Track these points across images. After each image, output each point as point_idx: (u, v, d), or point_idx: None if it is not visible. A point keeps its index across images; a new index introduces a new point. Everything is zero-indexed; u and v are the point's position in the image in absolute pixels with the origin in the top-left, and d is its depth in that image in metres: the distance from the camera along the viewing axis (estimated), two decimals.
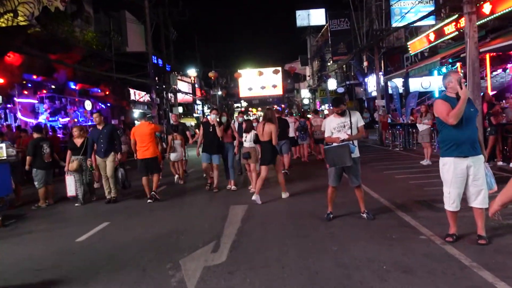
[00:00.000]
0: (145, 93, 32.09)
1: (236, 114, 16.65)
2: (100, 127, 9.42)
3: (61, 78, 22.39)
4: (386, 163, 13.29)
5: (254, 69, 50.47)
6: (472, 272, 4.27)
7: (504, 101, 16.28)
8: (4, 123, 18.39)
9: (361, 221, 6.53)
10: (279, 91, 57.52)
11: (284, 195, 8.86)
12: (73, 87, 24.63)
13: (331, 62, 41.18)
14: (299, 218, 7.00)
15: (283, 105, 62.72)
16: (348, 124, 6.51)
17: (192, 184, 11.57)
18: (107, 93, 27.68)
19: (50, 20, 21.43)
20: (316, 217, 6.95)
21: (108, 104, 28.71)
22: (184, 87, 42.61)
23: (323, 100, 45.89)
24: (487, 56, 16.12)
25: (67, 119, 24.15)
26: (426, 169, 11.55)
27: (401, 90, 25.53)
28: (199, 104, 51.91)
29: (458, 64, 18.77)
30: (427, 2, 24.07)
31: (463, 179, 5.01)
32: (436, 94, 23.09)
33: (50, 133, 17.75)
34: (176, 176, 12.01)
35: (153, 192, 9.28)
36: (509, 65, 18.25)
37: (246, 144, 9.58)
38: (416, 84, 25.35)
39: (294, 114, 23.22)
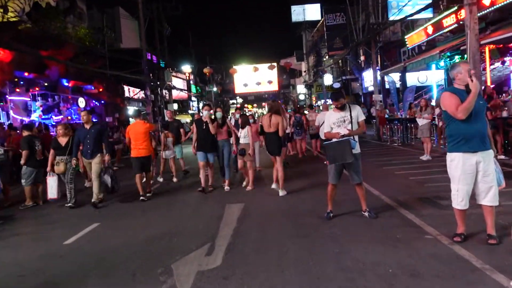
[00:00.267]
0: (139, 90, 31.73)
1: (232, 111, 16.32)
2: (87, 127, 8.87)
3: (53, 75, 22.01)
4: (385, 159, 13.01)
5: (250, 65, 50.07)
6: (485, 275, 3.99)
7: (504, 94, 16.07)
8: None
9: (362, 220, 6.24)
10: (274, 87, 57.27)
11: (282, 192, 8.59)
12: (66, 84, 24.26)
13: (327, 57, 40.85)
14: (298, 217, 6.71)
15: (279, 101, 62.34)
16: (348, 119, 6.22)
17: (187, 183, 11.24)
18: (101, 90, 27.31)
19: (41, 16, 21.05)
20: (316, 216, 6.65)
21: (102, 102, 28.34)
22: (179, 83, 42.24)
23: (319, 96, 45.60)
24: (487, 48, 15.87)
25: (60, 116, 23.77)
26: (427, 165, 11.28)
27: (398, 84, 25.31)
28: (194, 101, 51.51)
29: (456, 58, 18.53)
30: None
31: (472, 175, 4.73)
32: (434, 89, 22.82)
33: (44, 131, 17.42)
34: (175, 179, 11.80)
35: (148, 194, 9.46)
36: (507, 58, 18.01)
37: (241, 140, 9.41)
38: (413, 78, 25.11)
39: (289, 110, 22.96)
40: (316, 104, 45.44)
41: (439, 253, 4.63)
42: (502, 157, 10.71)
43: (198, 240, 5.72)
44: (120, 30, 32.83)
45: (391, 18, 21.99)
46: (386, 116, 21.03)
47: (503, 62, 18.63)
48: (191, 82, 48.62)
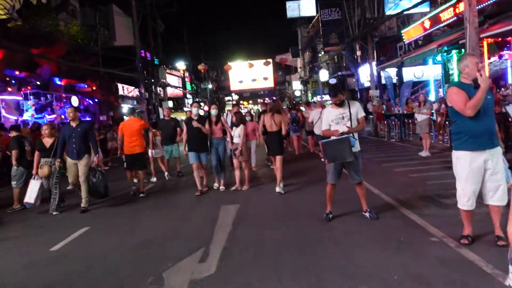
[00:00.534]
0: (133, 87, 31.37)
1: (228, 107, 15.99)
2: (73, 124, 8.17)
3: (45, 73, 21.66)
4: (383, 155, 12.76)
5: (245, 61, 49.71)
6: (497, 282, 3.72)
7: (502, 88, 15.85)
8: None
9: (363, 221, 5.97)
10: (270, 83, 56.83)
11: (278, 189, 8.53)
12: (58, 82, 23.91)
13: (323, 53, 40.53)
14: (296, 219, 6.44)
15: (274, 98, 62.08)
16: (348, 116, 5.94)
17: (181, 184, 10.88)
18: (94, 88, 26.98)
19: (32, 13, 20.65)
20: (314, 217, 6.38)
21: (96, 100, 27.98)
22: (174, 81, 41.83)
23: (315, 92, 45.31)
24: (485, 42, 15.60)
25: (53, 115, 23.42)
26: (426, 161, 11.04)
27: (394, 80, 25.05)
28: (190, 98, 51.13)
29: (453, 52, 18.29)
30: None
31: (480, 174, 4.46)
32: (431, 84, 22.58)
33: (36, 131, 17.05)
34: (167, 173, 11.71)
35: (141, 195, 9.32)
36: (505, 52, 17.77)
37: (236, 140, 8.96)
38: (409, 73, 24.85)
39: (284, 107, 22.67)
40: (312, 100, 45.24)
41: (446, 257, 4.37)
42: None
43: (191, 245, 5.44)
44: (114, 27, 32.36)
45: (388, 12, 21.69)
46: (383, 111, 20.78)
47: (500, 56, 18.40)
48: (186, 79, 48.25)
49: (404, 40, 21.68)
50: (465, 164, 4.49)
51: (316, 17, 42.02)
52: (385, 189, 7.84)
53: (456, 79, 18.89)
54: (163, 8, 33.75)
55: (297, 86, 58.67)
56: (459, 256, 4.38)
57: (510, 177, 4.63)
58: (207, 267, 4.65)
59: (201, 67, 38.82)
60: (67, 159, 8.19)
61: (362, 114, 6.03)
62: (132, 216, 7.62)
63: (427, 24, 18.46)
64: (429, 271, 4.07)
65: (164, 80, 34.78)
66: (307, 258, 4.70)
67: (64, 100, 24.89)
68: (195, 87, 53.60)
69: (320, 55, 43.72)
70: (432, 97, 20.68)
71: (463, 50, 17.67)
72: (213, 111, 9.23)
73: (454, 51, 18.00)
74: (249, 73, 50.90)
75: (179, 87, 43.62)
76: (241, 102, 71.54)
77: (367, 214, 6.09)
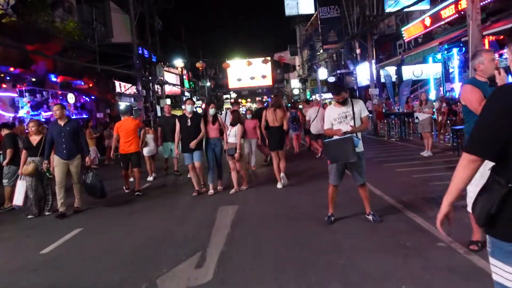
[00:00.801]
0: (130, 85, 31.09)
1: (227, 105, 15.68)
2: (61, 123, 7.68)
3: (40, 70, 21.34)
4: (384, 155, 12.54)
5: (243, 59, 49.45)
6: None
7: None
8: None
9: (367, 224, 5.74)
10: (268, 81, 56.70)
11: (279, 185, 8.78)
12: (54, 79, 23.57)
13: (321, 51, 40.30)
14: (296, 221, 6.20)
15: (275, 94, 61.83)
16: (351, 115, 5.70)
17: (178, 184, 10.63)
18: (91, 85, 26.68)
19: (27, 9, 20.35)
20: (316, 219, 6.15)
21: (93, 97, 27.68)
22: (172, 78, 41.59)
23: (313, 90, 45.09)
24: (486, 40, 15.39)
25: (49, 113, 23.13)
26: (428, 161, 10.83)
27: (394, 78, 24.84)
28: (188, 96, 50.85)
29: (454, 50, 18.09)
30: None
31: None
32: (431, 82, 22.36)
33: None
34: (154, 174, 11.51)
35: (138, 193, 9.22)
36: (506, 50, 17.57)
37: (230, 139, 8.55)
38: (408, 72, 24.64)
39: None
40: (311, 98, 45.02)
41: (456, 265, 4.14)
42: None
43: (187, 249, 5.21)
44: (111, 24, 32.06)
45: (388, 9, 21.45)
46: (384, 110, 20.57)
47: (501, 55, 18.20)
48: (184, 77, 47.97)
49: (404, 38, 21.44)
50: None
51: (314, 15, 41.79)
52: (388, 190, 7.62)
53: (456, 78, 18.72)
54: (160, 4, 33.49)
55: (295, 84, 58.46)
56: (470, 263, 4.16)
57: None
58: (203, 273, 4.42)
59: (199, 64, 38.53)
60: (56, 159, 7.67)
61: (365, 113, 5.80)
62: (127, 217, 7.38)
63: (427, 21, 18.24)
64: (439, 280, 3.84)
65: (162, 78, 34.52)
66: (309, 264, 4.47)
67: (61, 97, 24.59)
68: (193, 85, 53.31)
69: (318, 53, 43.48)
70: (432, 96, 20.45)
71: (464, 48, 17.52)
72: (212, 111, 8.74)
73: (455, 49, 17.81)
74: (247, 71, 50.75)
75: (177, 85, 43.37)
76: (239, 100, 71.42)
77: (370, 217, 5.86)
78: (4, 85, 19.42)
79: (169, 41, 42.86)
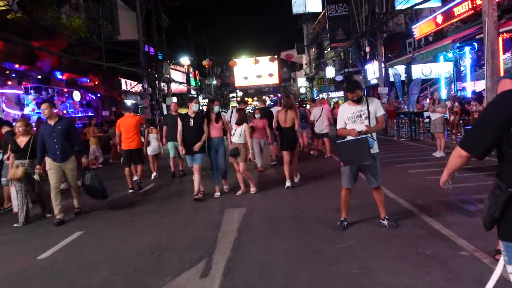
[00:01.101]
0: (136, 83, 30.89)
1: (233, 104, 15.33)
2: (51, 122, 7.04)
3: (45, 67, 21.16)
4: (394, 156, 12.16)
5: (250, 57, 49.12)
6: None
7: None
8: None
9: (382, 230, 5.41)
10: (275, 80, 56.24)
11: (296, 179, 9.08)
12: (59, 76, 23.39)
13: (329, 49, 39.90)
14: (307, 226, 5.86)
15: (279, 95, 61.47)
16: (366, 114, 5.37)
17: (184, 185, 10.24)
18: (97, 83, 26.50)
19: (34, 5, 20.14)
20: (327, 224, 5.84)
21: (98, 95, 27.52)
22: (178, 76, 41.37)
23: (321, 89, 44.70)
24: (500, 38, 14.97)
25: (55, 110, 22.92)
26: (442, 162, 10.35)
27: (403, 77, 24.45)
28: (194, 94, 50.64)
29: (466, 48, 17.68)
30: None
31: None
32: (442, 81, 21.94)
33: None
34: (154, 173, 11.30)
35: (137, 179, 9.58)
36: None
37: (234, 139, 8.15)
38: (417, 71, 24.23)
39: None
40: (318, 97, 44.63)
41: (483, 277, 3.79)
42: None
43: (192, 256, 4.91)
44: (118, 22, 31.84)
45: (398, 7, 21.06)
46: (398, 109, 20.14)
47: None
48: (191, 75, 47.74)
49: (415, 36, 21.02)
50: None
51: (322, 13, 41.38)
52: (402, 193, 7.31)
53: (468, 77, 18.30)
54: (167, 2, 33.26)
55: (302, 83, 58.06)
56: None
57: None
58: (209, 283, 4.12)
59: (205, 62, 38.28)
60: (48, 161, 7.05)
61: (381, 112, 5.46)
62: (130, 220, 7.05)
63: (439, 19, 17.82)
64: None
65: (168, 76, 34.28)
66: (323, 274, 4.16)
67: (66, 95, 24.45)
68: (199, 83, 53.06)
69: (326, 51, 43.08)
70: (443, 95, 20.04)
71: (476, 46, 17.11)
72: (216, 108, 8.30)
73: (467, 48, 17.41)
74: (254, 70, 50.37)
75: (183, 83, 43.14)
76: (245, 98, 71.09)
77: (385, 222, 5.54)
78: (9, 82, 19.25)
79: (176, 39, 42.73)
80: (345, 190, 5.63)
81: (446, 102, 14.65)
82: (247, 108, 11.47)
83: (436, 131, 11.72)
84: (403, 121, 17.79)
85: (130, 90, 31.38)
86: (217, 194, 8.30)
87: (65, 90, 24.21)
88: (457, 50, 18.04)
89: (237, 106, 11.26)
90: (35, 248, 5.70)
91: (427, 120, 15.94)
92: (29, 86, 20.86)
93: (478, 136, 2.25)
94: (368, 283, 3.87)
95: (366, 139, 5.15)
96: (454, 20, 16.89)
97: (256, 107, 12.61)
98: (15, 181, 7.16)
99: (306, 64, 54.96)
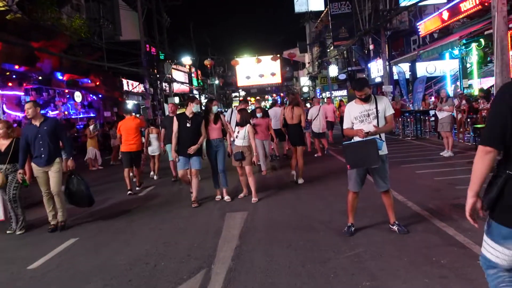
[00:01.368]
0: (138, 83, 30.65)
1: (236, 104, 14.97)
2: (36, 123, 6.45)
3: (45, 67, 20.95)
4: (400, 155, 11.83)
5: (252, 57, 48.84)
6: None
7: None
8: None
9: (392, 236, 5.10)
10: (277, 79, 56.01)
11: (300, 180, 9.00)
12: (60, 77, 23.16)
13: (332, 47, 39.59)
14: (313, 232, 5.54)
15: (282, 94, 61.22)
16: (374, 113, 5.05)
17: (183, 189, 9.66)
18: (98, 83, 26.29)
19: (34, 6, 19.90)
20: (333, 229, 5.53)
21: (100, 95, 27.30)
22: (180, 76, 41.12)
23: (324, 88, 44.37)
24: (508, 34, 14.63)
25: (56, 112, 22.75)
26: (450, 162, 10.14)
27: (407, 75, 24.12)
28: (196, 94, 50.39)
29: (473, 45, 17.35)
30: None
31: None
32: (448, 78, 21.60)
33: None
34: (152, 172, 11.36)
35: (137, 188, 9.68)
36: None
37: (238, 142, 7.64)
38: (421, 69, 23.91)
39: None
40: (321, 96, 44.30)
41: None
42: None
43: (190, 265, 4.62)
44: (120, 22, 31.60)
45: (403, 3, 20.72)
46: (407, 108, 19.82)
47: None
48: (193, 75, 47.49)
49: (421, 34, 20.67)
50: None
51: (324, 11, 41.07)
52: (410, 195, 6.99)
53: (475, 74, 17.96)
54: (168, 1, 33.01)
55: (305, 82, 57.74)
56: None
57: None
58: None
59: (207, 62, 38.04)
60: (34, 168, 6.52)
61: (390, 111, 5.14)
62: (126, 226, 6.75)
63: (445, 15, 17.47)
64: None
65: (170, 76, 34.03)
66: (329, 286, 3.86)
67: (68, 96, 24.24)
68: (201, 83, 52.82)
69: (329, 50, 42.77)
70: (449, 92, 19.71)
71: (483, 42, 16.77)
72: (214, 108, 7.89)
73: (474, 44, 17.07)
74: (256, 69, 50.18)
75: (186, 83, 42.89)
76: (248, 98, 70.95)
77: (395, 228, 5.23)
78: (10, 84, 19.04)
79: (177, 39, 42.48)
80: (352, 194, 5.32)
81: (454, 100, 14.33)
82: (248, 107, 11.12)
83: (443, 130, 11.38)
84: (408, 119, 17.46)
85: (132, 90, 31.15)
86: (218, 197, 7.95)
87: (66, 91, 24.01)
88: (463, 47, 17.73)
89: (237, 105, 10.86)
90: (26, 256, 5.41)
91: (433, 118, 15.62)
92: (30, 87, 20.66)
93: (497, 127, 2.29)
94: None
95: (375, 141, 4.83)
96: (461, 16, 16.54)
97: (258, 106, 12.38)
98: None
99: (308, 63, 54.64)
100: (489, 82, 17.53)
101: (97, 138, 15.08)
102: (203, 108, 9.07)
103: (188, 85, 43.96)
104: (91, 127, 14.52)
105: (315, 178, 9.45)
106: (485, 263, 2.54)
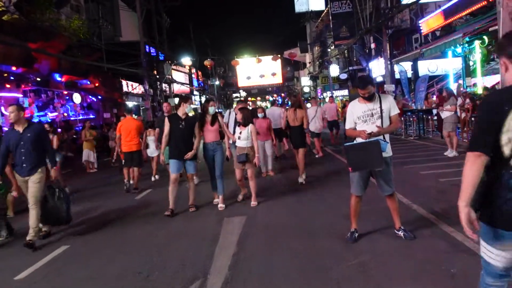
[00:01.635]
0: (138, 84, 30.43)
1: (235, 104, 14.70)
2: (19, 129, 5.91)
3: (43, 69, 20.73)
4: (404, 155, 11.54)
5: (252, 57, 48.59)
6: None
7: None
8: None
9: (398, 242, 4.84)
10: (278, 79, 55.80)
11: (301, 179, 8.98)
12: (58, 79, 22.94)
13: (333, 47, 39.30)
14: (314, 238, 5.28)
15: (282, 94, 60.96)
16: (378, 113, 4.79)
17: (181, 189, 9.50)
18: (97, 84, 26.07)
19: (31, 7, 19.69)
20: (336, 235, 5.27)
21: (99, 97, 27.09)
22: (180, 77, 40.90)
23: (325, 88, 44.08)
24: None
25: (55, 113, 22.56)
26: (454, 162, 9.85)
27: (409, 74, 23.83)
28: (197, 95, 50.16)
29: (476, 43, 17.05)
30: None
31: None
32: (450, 77, 21.31)
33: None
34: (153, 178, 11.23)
35: (134, 190, 9.66)
36: None
37: (240, 143, 7.23)
38: (423, 68, 23.63)
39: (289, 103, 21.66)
40: (322, 96, 44.04)
41: None
42: None
43: (185, 275, 4.37)
44: (120, 23, 31.39)
45: (404, 1, 20.46)
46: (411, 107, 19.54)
47: None
48: (193, 75, 47.26)
49: (423, 31, 20.39)
50: None
51: (325, 11, 40.81)
52: (415, 198, 6.72)
53: (478, 72, 17.66)
54: (167, 2, 32.81)
55: (305, 82, 57.41)
56: None
57: None
58: None
59: (207, 62, 37.79)
60: (17, 178, 6.08)
61: (396, 111, 4.89)
62: (120, 232, 6.48)
63: (447, 12, 17.16)
64: None
65: (170, 76, 33.81)
66: None
67: (67, 97, 24.06)
68: (202, 84, 52.60)
69: (330, 49, 42.48)
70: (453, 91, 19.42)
71: (486, 40, 16.48)
72: (211, 109, 7.37)
73: (477, 42, 16.78)
74: (257, 69, 49.96)
75: (186, 84, 42.67)
76: (249, 99, 70.70)
77: (401, 233, 4.97)
78: (8, 85, 18.83)
79: (177, 39, 42.27)
80: (354, 197, 5.06)
81: (458, 99, 14.05)
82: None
83: (447, 129, 11.11)
84: (410, 119, 17.18)
85: (132, 91, 30.93)
86: (216, 200, 7.63)
87: (65, 92, 23.81)
88: (466, 45, 17.45)
89: (236, 106, 10.47)
90: (14, 266, 5.15)
91: (436, 117, 15.35)
92: (28, 89, 20.47)
93: (484, 132, 2.29)
94: None
95: (378, 142, 4.57)
96: (464, 13, 16.25)
97: (259, 106, 12.11)
98: None
99: (309, 62, 54.33)
100: (492, 80, 17.25)
101: (93, 140, 14.80)
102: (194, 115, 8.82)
103: (188, 85, 43.73)
104: (87, 133, 14.33)
105: (317, 180, 9.21)
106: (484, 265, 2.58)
